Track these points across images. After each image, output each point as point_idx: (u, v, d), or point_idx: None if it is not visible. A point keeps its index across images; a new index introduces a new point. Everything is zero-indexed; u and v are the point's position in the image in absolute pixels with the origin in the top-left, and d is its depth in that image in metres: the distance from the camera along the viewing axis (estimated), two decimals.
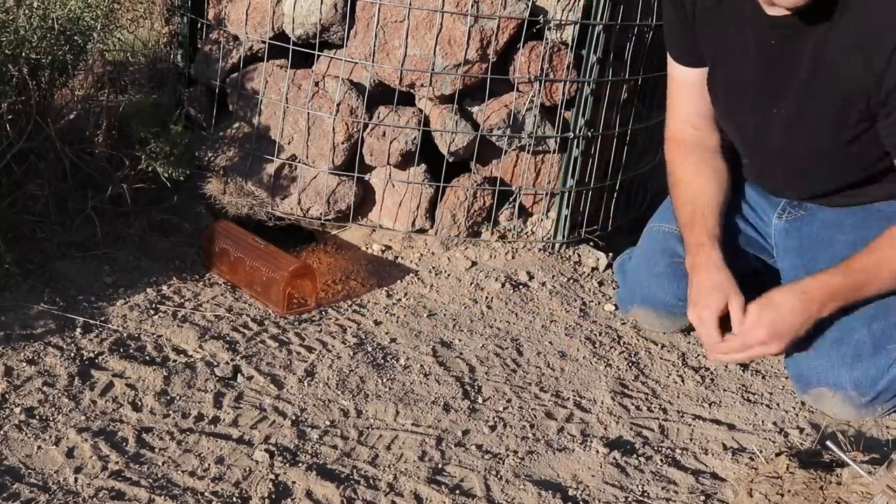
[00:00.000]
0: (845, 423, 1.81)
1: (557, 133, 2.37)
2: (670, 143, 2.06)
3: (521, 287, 2.29)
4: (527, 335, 2.09)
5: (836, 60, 1.71)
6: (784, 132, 1.86)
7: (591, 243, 2.50)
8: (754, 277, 2.04)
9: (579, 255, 2.46)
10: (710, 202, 1.95)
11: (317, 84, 2.32)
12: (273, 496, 1.47)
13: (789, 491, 1.50)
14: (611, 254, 2.44)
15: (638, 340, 2.11)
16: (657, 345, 2.10)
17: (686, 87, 2.00)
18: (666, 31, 2.02)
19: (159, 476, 1.50)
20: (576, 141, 2.38)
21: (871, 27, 1.65)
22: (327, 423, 1.69)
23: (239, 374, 1.82)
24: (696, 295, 1.88)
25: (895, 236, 1.74)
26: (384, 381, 1.84)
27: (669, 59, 2.02)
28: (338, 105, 2.28)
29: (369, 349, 1.96)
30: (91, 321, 1.93)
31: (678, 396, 1.89)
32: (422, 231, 2.40)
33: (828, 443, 1.56)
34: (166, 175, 2.21)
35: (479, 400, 1.82)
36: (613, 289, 2.32)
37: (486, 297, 2.23)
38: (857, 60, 1.67)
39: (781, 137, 1.88)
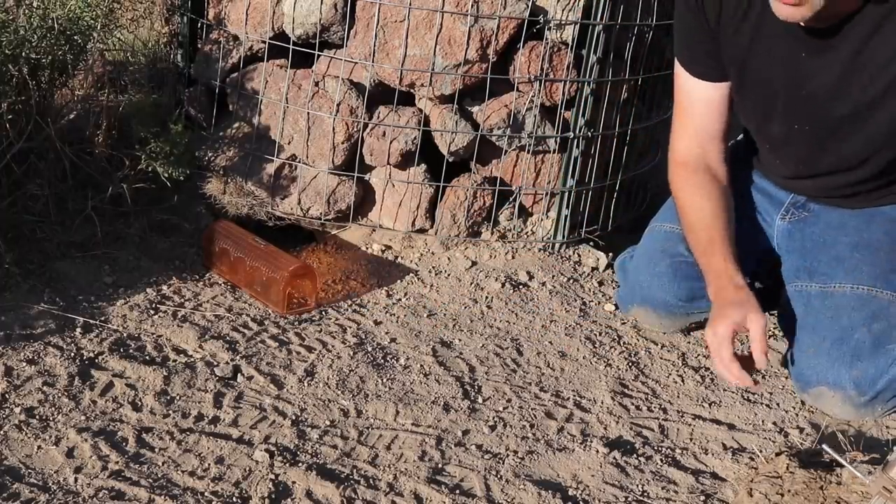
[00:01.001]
0: (845, 422, 1.81)
1: (557, 133, 2.37)
2: (676, 168, 1.96)
3: (521, 287, 2.29)
4: (527, 335, 2.09)
5: (881, 58, 1.67)
6: (813, 143, 1.85)
7: (591, 243, 2.50)
8: (752, 279, 2.04)
9: (579, 255, 2.46)
10: (725, 226, 1.86)
11: (317, 84, 2.32)
12: (273, 496, 1.47)
13: (789, 491, 1.50)
14: (611, 254, 2.44)
15: (638, 340, 2.11)
16: (657, 345, 2.10)
17: (700, 103, 1.91)
18: (683, 44, 1.91)
19: (159, 476, 1.50)
20: (576, 141, 2.38)
21: None
22: (327, 422, 1.69)
23: (239, 374, 1.82)
24: (715, 313, 1.76)
25: None
26: (384, 381, 1.84)
27: (682, 75, 1.92)
28: (338, 105, 2.28)
29: (369, 349, 1.96)
30: (91, 321, 1.93)
31: (678, 396, 1.89)
32: (422, 231, 2.40)
33: (824, 446, 1.55)
34: (166, 175, 2.21)
35: (479, 400, 1.82)
36: (613, 289, 2.32)
37: (486, 297, 2.23)
38: None
39: (810, 148, 1.87)
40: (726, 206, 1.90)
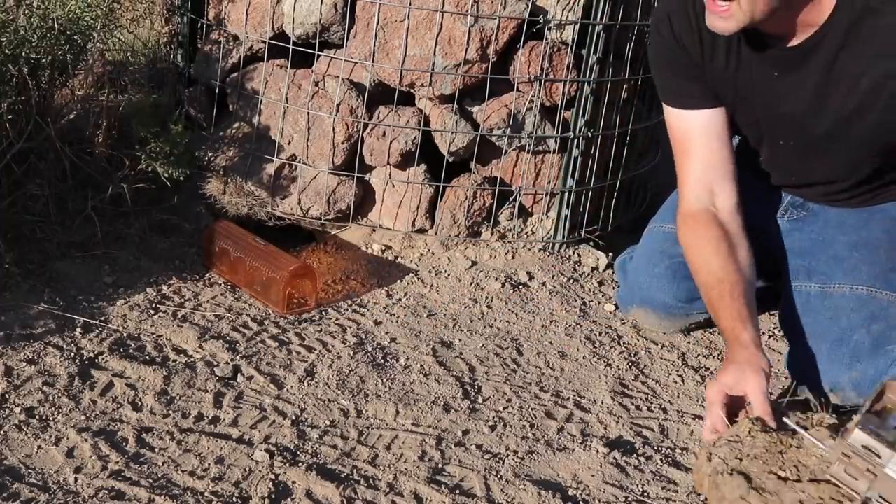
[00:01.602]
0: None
1: (557, 133, 2.37)
2: (683, 220, 1.86)
3: (521, 287, 2.29)
4: (527, 335, 2.09)
5: (854, 71, 1.66)
6: (799, 158, 1.85)
7: (591, 243, 2.50)
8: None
9: (579, 255, 2.46)
10: (735, 280, 1.73)
11: (317, 84, 2.32)
12: (273, 496, 1.47)
13: (748, 455, 1.47)
14: (611, 254, 2.44)
15: (638, 340, 2.11)
16: (657, 345, 2.10)
17: (698, 136, 1.84)
18: (668, 82, 1.87)
19: (159, 476, 1.50)
20: (576, 141, 2.38)
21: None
22: (327, 422, 1.69)
23: (239, 374, 1.82)
24: (717, 374, 1.66)
25: None
26: (384, 381, 1.84)
27: (674, 114, 1.87)
28: (338, 105, 2.28)
29: (369, 349, 1.96)
30: (91, 321, 1.93)
31: (678, 396, 1.89)
32: (422, 231, 2.40)
33: (784, 419, 1.52)
34: (166, 175, 2.21)
35: (479, 400, 1.82)
36: (613, 289, 2.32)
37: (486, 297, 2.23)
38: (882, 63, 1.62)
39: (798, 163, 1.87)
40: (736, 258, 1.78)
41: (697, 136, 1.84)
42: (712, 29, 1.64)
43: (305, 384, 1.81)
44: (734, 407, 1.57)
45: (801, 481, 1.41)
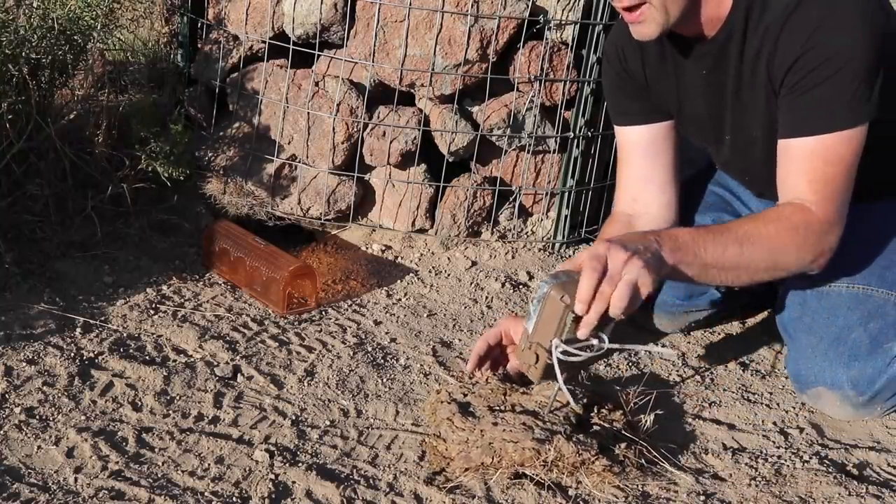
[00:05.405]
0: (845, 421, 1.82)
1: (557, 133, 2.37)
2: (608, 220, 2.01)
3: (521, 287, 2.30)
4: None
5: (757, 59, 1.70)
6: (741, 153, 1.88)
7: (591, 243, 2.50)
8: None
9: None
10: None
11: (317, 84, 2.32)
12: (273, 496, 1.47)
13: (473, 392, 1.68)
14: None
15: (637, 339, 2.11)
16: (657, 345, 2.10)
17: (633, 150, 1.95)
18: (615, 104, 1.98)
19: (159, 476, 1.50)
20: (576, 141, 2.38)
21: (772, 13, 1.66)
22: (327, 422, 1.69)
23: (239, 374, 1.82)
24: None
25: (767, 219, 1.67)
26: (384, 381, 1.84)
27: (617, 131, 1.98)
28: (338, 105, 2.29)
29: (369, 349, 1.96)
30: (91, 321, 1.93)
31: (678, 396, 1.89)
32: (422, 231, 2.40)
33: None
34: (166, 175, 2.21)
35: None
36: None
37: (486, 297, 2.23)
38: (769, 47, 1.67)
39: (743, 158, 1.90)
40: None
41: (631, 150, 1.95)
42: (638, 38, 1.70)
43: (305, 384, 1.81)
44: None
45: (506, 412, 1.61)
